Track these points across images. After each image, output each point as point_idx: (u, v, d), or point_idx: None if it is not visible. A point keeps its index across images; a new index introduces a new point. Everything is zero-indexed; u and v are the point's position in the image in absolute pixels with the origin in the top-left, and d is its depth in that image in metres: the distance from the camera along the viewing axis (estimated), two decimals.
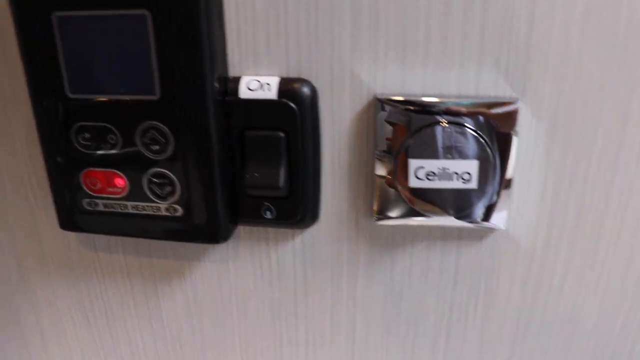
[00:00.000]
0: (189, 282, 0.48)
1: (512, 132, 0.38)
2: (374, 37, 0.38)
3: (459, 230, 0.42)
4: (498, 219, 0.41)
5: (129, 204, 0.42)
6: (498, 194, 0.40)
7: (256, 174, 0.40)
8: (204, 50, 0.37)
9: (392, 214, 0.41)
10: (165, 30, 0.36)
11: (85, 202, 0.42)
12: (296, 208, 0.41)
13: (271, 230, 0.45)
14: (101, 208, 0.42)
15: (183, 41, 0.36)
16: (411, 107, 0.38)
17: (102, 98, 0.39)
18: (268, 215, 0.42)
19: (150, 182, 0.40)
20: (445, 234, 0.42)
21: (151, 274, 0.49)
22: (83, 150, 0.41)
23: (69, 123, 0.40)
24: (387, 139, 0.39)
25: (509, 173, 0.39)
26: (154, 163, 0.40)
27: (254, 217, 0.42)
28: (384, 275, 0.45)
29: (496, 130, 0.38)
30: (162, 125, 0.39)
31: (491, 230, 0.42)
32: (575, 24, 0.36)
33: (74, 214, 0.43)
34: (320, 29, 0.38)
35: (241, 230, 0.45)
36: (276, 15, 0.38)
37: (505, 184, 0.40)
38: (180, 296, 0.49)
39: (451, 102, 0.38)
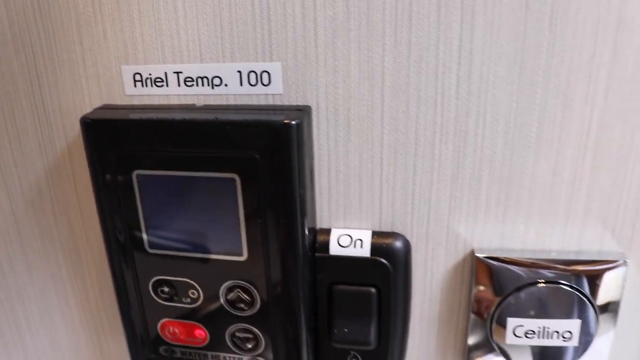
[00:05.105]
0: None
1: (617, 289, 0.36)
2: (475, 196, 0.36)
3: None
4: None
5: (209, 353, 0.40)
6: (598, 345, 0.38)
7: (345, 330, 0.38)
8: (296, 212, 0.35)
9: None
10: (254, 192, 0.34)
11: (162, 349, 0.41)
12: (384, 358, 0.39)
13: None
14: (178, 355, 0.40)
15: (274, 203, 0.34)
16: (511, 265, 0.36)
17: (184, 255, 0.37)
18: None
19: (233, 336, 0.39)
20: None
21: None
22: (161, 302, 0.39)
23: (147, 276, 0.38)
24: (484, 294, 0.37)
25: (612, 327, 0.37)
26: (238, 319, 0.38)
27: None
28: None
29: (599, 287, 0.36)
30: (248, 285, 0.37)
31: None
32: None
33: (149, 359, 0.41)
34: (418, 187, 0.36)
35: None
36: (371, 172, 0.36)
37: (606, 335, 0.38)
38: None
39: (553, 260, 0.36)
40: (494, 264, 0.37)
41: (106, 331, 0.46)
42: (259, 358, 0.39)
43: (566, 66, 0.33)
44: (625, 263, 0.36)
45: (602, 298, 0.36)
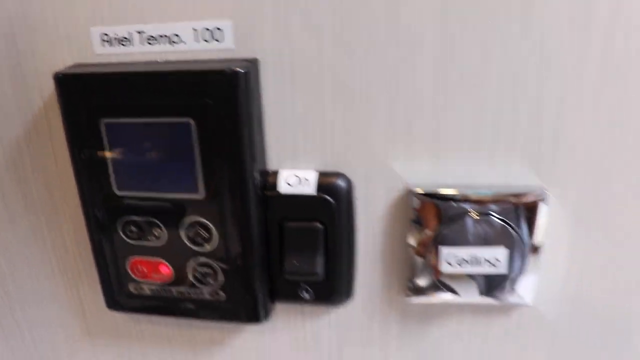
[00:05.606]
0: (228, 353, 0.51)
1: (540, 219, 0.40)
2: (408, 134, 0.40)
3: (488, 306, 0.44)
4: (525, 295, 0.43)
5: (174, 289, 0.44)
6: (526, 273, 0.42)
7: (295, 262, 0.42)
8: (245, 153, 0.39)
9: (424, 292, 0.44)
10: (208, 135, 0.38)
11: (131, 286, 0.45)
12: (332, 290, 0.43)
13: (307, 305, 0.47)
14: (147, 292, 0.44)
15: (225, 145, 0.38)
16: (443, 198, 0.40)
17: (148, 195, 0.41)
18: (305, 296, 0.44)
19: (194, 270, 0.43)
20: (475, 310, 0.45)
21: (192, 345, 0.51)
22: (130, 241, 0.43)
23: (116, 217, 0.42)
24: (419, 226, 0.41)
25: (537, 255, 0.41)
26: (198, 254, 0.42)
27: (292, 297, 0.44)
28: (415, 348, 0.47)
29: (524, 217, 0.40)
30: (206, 221, 0.41)
31: (518, 306, 0.44)
32: (602, 114, 0.38)
33: (120, 297, 0.45)
34: (357, 130, 0.40)
35: (278, 303, 0.47)
36: (314, 116, 0.40)
37: (533, 264, 0.42)
38: None
39: (481, 193, 0.40)
40: (428, 200, 0.41)
41: (83, 279, 0.51)
42: (219, 291, 0.43)
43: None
44: (546, 196, 0.40)
45: (526, 228, 0.40)
